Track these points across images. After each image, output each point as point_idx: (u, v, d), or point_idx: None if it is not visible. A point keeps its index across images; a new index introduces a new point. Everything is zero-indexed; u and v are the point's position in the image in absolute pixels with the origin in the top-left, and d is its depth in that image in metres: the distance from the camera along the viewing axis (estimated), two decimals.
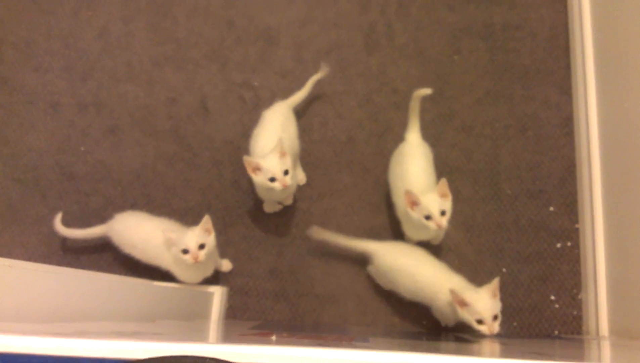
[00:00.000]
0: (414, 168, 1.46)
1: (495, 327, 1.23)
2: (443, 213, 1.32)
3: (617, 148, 1.44)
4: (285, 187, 1.39)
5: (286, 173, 1.39)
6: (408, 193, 1.33)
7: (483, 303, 1.24)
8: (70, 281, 0.93)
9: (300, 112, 1.72)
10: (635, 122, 1.34)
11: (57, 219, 1.60)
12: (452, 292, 1.26)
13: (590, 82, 1.56)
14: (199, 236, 1.38)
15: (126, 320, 1.01)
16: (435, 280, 1.38)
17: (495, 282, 1.26)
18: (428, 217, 1.32)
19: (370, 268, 1.54)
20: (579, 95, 1.61)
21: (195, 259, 1.36)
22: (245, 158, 1.40)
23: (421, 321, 1.55)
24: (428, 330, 1.54)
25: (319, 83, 1.75)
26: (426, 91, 1.49)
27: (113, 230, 1.56)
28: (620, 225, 1.40)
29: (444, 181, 1.32)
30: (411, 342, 1.11)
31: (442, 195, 1.33)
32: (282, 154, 1.40)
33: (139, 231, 1.52)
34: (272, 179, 1.38)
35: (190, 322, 1.23)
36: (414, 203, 1.33)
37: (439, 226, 1.31)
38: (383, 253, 1.47)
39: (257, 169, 1.40)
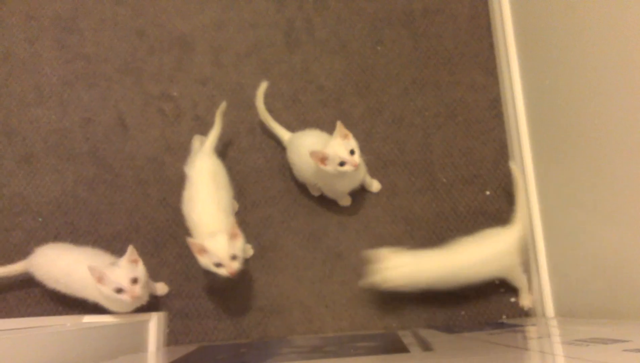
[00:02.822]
0: (310, 138, 1.45)
1: None
2: (352, 152, 1.31)
3: (544, 125, 1.42)
4: (233, 274, 1.29)
5: (234, 257, 1.30)
6: (312, 153, 1.32)
7: None
8: None
9: (225, 122, 1.64)
10: (556, 99, 1.32)
11: None
12: None
13: (513, 61, 1.54)
14: (128, 271, 1.29)
15: None
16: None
17: None
18: (342, 163, 1.30)
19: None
20: (503, 75, 1.59)
21: (133, 296, 1.28)
22: (189, 241, 1.30)
23: (374, 322, 1.51)
24: (385, 330, 1.50)
25: (241, 87, 1.68)
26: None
27: (33, 265, 1.46)
28: (555, 203, 1.38)
29: (339, 123, 1.31)
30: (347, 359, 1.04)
31: (343, 136, 1.32)
32: (234, 236, 1.31)
33: (60, 264, 1.42)
34: (219, 265, 1.29)
35: None
36: (323, 159, 1.32)
37: (354, 165, 1.30)
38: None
39: (203, 251, 1.29)
